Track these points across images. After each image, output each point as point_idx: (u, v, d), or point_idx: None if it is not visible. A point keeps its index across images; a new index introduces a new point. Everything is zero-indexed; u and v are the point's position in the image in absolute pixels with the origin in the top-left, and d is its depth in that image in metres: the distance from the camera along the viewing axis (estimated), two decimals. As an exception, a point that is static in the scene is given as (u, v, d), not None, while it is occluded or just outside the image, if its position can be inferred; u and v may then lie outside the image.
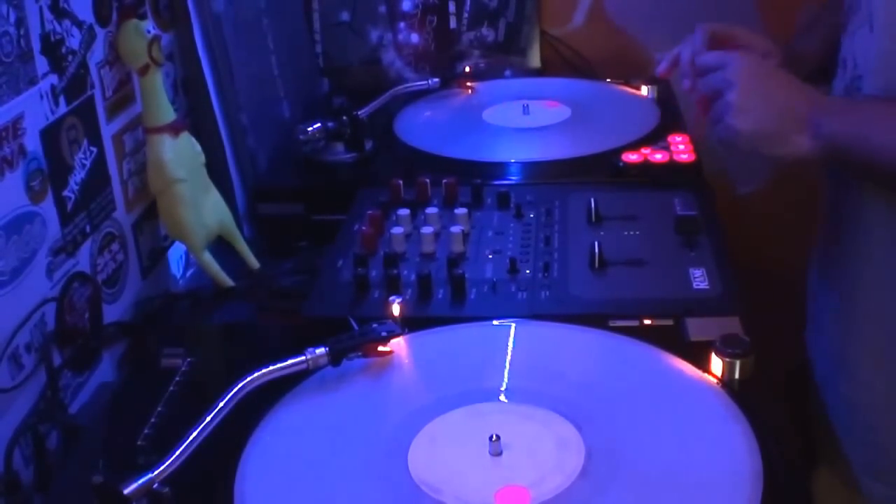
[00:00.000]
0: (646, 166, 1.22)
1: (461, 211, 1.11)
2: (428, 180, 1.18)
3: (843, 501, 1.17)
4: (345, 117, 1.32)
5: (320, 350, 0.82)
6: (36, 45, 0.93)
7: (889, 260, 1.05)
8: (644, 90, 1.46)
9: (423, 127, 1.41)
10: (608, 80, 1.54)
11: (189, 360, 0.88)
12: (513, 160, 1.27)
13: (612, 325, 0.90)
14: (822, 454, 1.20)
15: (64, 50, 0.98)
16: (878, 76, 1.01)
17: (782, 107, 1.01)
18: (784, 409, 0.84)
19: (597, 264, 1.01)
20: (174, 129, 1.10)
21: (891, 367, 1.07)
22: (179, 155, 1.11)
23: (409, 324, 0.89)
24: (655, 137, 1.28)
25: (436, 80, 1.51)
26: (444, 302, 0.97)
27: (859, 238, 1.08)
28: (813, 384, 1.20)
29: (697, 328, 0.89)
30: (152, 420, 0.80)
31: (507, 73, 1.66)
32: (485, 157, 1.28)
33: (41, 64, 0.94)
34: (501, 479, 0.71)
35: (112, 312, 1.07)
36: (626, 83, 1.50)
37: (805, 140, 0.98)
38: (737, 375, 0.81)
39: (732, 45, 1.15)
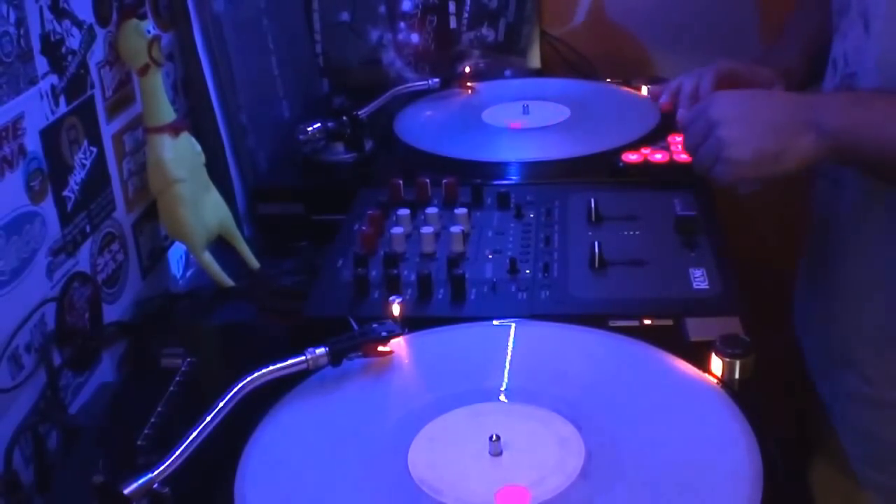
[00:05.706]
0: (646, 166, 1.21)
1: (461, 211, 1.11)
2: (428, 180, 1.18)
3: (841, 492, 1.17)
4: (345, 117, 1.32)
5: (320, 350, 0.81)
6: (36, 45, 0.93)
7: (883, 254, 1.04)
8: (644, 90, 1.46)
9: (423, 127, 1.41)
10: (608, 80, 1.54)
11: (189, 360, 0.88)
12: (513, 160, 1.27)
13: (612, 325, 0.90)
14: (819, 446, 1.20)
15: (64, 50, 0.98)
16: (874, 77, 1.00)
17: (774, 120, 0.99)
18: (784, 408, 0.84)
19: (597, 264, 1.01)
20: (174, 129, 1.10)
21: (888, 359, 1.07)
22: (179, 155, 1.11)
23: (409, 324, 0.89)
24: (655, 137, 1.28)
25: (436, 80, 1.51)
26: (444, 302, 0.97)
27: (850, 236, 1.08)
28: (807, 377, 1.20)
29: (697, 328, 0.89)
30: (152, 420, 0.80)
31: (507, 73, 1.66)
32: (485, 157, 1.28)
33: (41, 64, 0.94)
34: (501, 479, 0.71)
35: (112, 312, 1.07)
36: (626, 83, 1.50)
37: (810, 141, 0.96)
38: (737, 375, 0.81)
39: (737, 82, 1.15)
